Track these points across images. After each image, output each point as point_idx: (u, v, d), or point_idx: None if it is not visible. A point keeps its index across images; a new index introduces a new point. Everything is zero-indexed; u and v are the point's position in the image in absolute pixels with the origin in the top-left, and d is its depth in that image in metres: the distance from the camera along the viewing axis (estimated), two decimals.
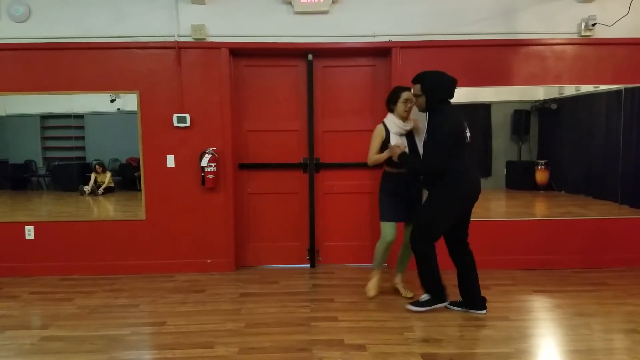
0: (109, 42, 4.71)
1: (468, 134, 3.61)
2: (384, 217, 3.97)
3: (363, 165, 5.00)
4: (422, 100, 3.63)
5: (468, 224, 3.73)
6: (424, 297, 3.77)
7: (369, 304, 3.98)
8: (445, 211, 3.59)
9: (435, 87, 3.58)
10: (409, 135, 3.95)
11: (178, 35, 4.71)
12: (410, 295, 4.07)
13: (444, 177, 3.54)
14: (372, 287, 4.12)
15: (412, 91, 3.75)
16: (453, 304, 3.82)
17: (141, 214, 4.88)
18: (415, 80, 3.68)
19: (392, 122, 3.92)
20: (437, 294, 3.75)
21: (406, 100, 3.85)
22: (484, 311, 3.72)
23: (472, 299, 3.75)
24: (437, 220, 3.60)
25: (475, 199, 3.65)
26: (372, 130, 4.97)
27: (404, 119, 3.90)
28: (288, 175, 5.03)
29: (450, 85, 3.61)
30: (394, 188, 3.96)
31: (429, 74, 3.65)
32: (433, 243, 3.65)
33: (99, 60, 4.73)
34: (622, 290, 4.24)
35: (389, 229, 3.94)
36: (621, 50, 4.79)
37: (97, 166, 5.06)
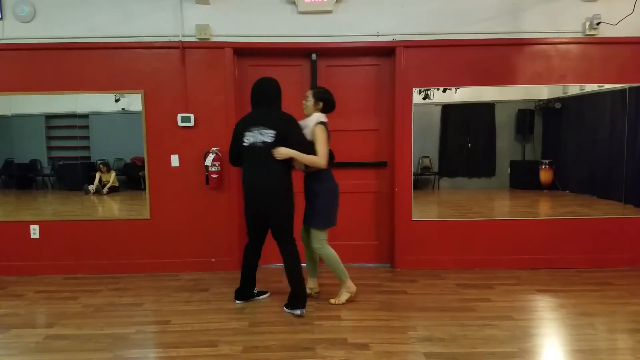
0: (114, 42, 4.73)
1: (251, 139, 3.69)
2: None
3: (367, 165, 5.02)
4: None
5: (271, 227, 3.86)
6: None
7: (373, 303, 3.98)
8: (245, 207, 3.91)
9: None
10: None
11: (182, 35, 4.72)
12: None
13: None
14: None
15: None
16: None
17: (146, 213, 4.90)
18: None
19: None
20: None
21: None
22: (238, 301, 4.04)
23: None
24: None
25: (251, 199, 3.78)
26: (376, 130, 5.03)
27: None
28: (292, 175, 5.02)
29: (253, 90, 3.84)
30: None
31: None
32: (248, 239, 4.01)
33: (104, 60, 4.75)
34: (627, 290, 4.23)
35: None
36: (626, 49, 4.77)
37: (101, 165, 5.08)
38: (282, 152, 3.64)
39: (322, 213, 3.87)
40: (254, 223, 3.89)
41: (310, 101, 3.89)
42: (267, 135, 3.65)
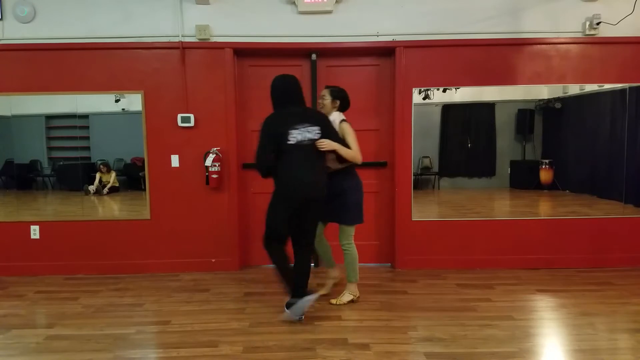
0: (114, 43, 4.73)
1: (299, 137, 3.51)
2: None
3: (368, 165, 5.01)
4: None
5: (304, 229, 3.65)
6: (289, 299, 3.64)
7: (373, 304, 3.98)
8: (274, 211, 3.61)
9: (271, 91, 3.65)
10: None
11: (182, 36, 4.72)
12: (324, 292, 4.08)
13: (275, 178, 3.59)
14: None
15: None
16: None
17: (146, 214, 4.90)
18: None
19: None
20: (294, 291, 3.63)
21: None
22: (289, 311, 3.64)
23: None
24: (270, 219, 3.62)
25: (299, 197, 3.54)
26: (377, 130, 5.04)
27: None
28: None
29: (281, 88, 3.63)
30: None
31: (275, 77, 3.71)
32: (273, 243, 3.64)
33: (104, 60, 4.75)
34: (627, 290, 4.23)
35: None
36: (626, 49, 4.77)
37: (102, 166, 5.08)
38: (328, 143, 3.56)
39: (354, 209, 3.88)
40: (286, 224, 3.63)
41: (327, 100, 3.88)
42: (313, 132, 3.55)
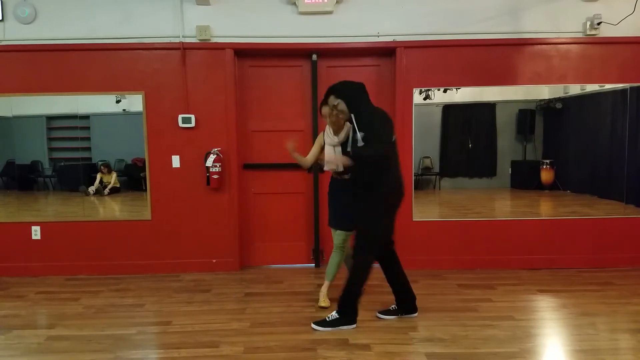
0: (115, 43, 4.73)
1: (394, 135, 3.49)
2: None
3: None
4: (342, 105, 3.47)
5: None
6: (333, 314, 3.52)
7: (374, 304, 3.97)
8: (387, 216, 3.51)
9: (348, 89, 3.51)
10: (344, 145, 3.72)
11: (183, 36, 4.73)
12: (325, 305, 3.88)
13: (379, 180, 3.39)
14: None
15: (330, 103, 3.58)
16: (385, 312, 3.72)
17: (147, 214, 4.90)
18: (327, 94, 3.58)
19: (327, 132, 3.85)
20: (349, 314, 3.51)
21: (325, 116, 3.77)
22: (414, 314, 3.69)
23: (406, 303, 3.70)
24: (381, 227, 3.51)
25: (401, 198, 3.56)
26: None
27: (334, 131, 3.78)
28: (293, 176, 5.03)
29: (361, 86, 3.54)
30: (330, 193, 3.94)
31: (336, 84, 3.57)
32: (373, 256, 3.54)
33: (105, 61, 4.75)
34: (628, 290, 4.22)
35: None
36: (626, 49, 4.77)
37: (102, 166, 5.09)
38: None
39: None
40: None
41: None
42: None
